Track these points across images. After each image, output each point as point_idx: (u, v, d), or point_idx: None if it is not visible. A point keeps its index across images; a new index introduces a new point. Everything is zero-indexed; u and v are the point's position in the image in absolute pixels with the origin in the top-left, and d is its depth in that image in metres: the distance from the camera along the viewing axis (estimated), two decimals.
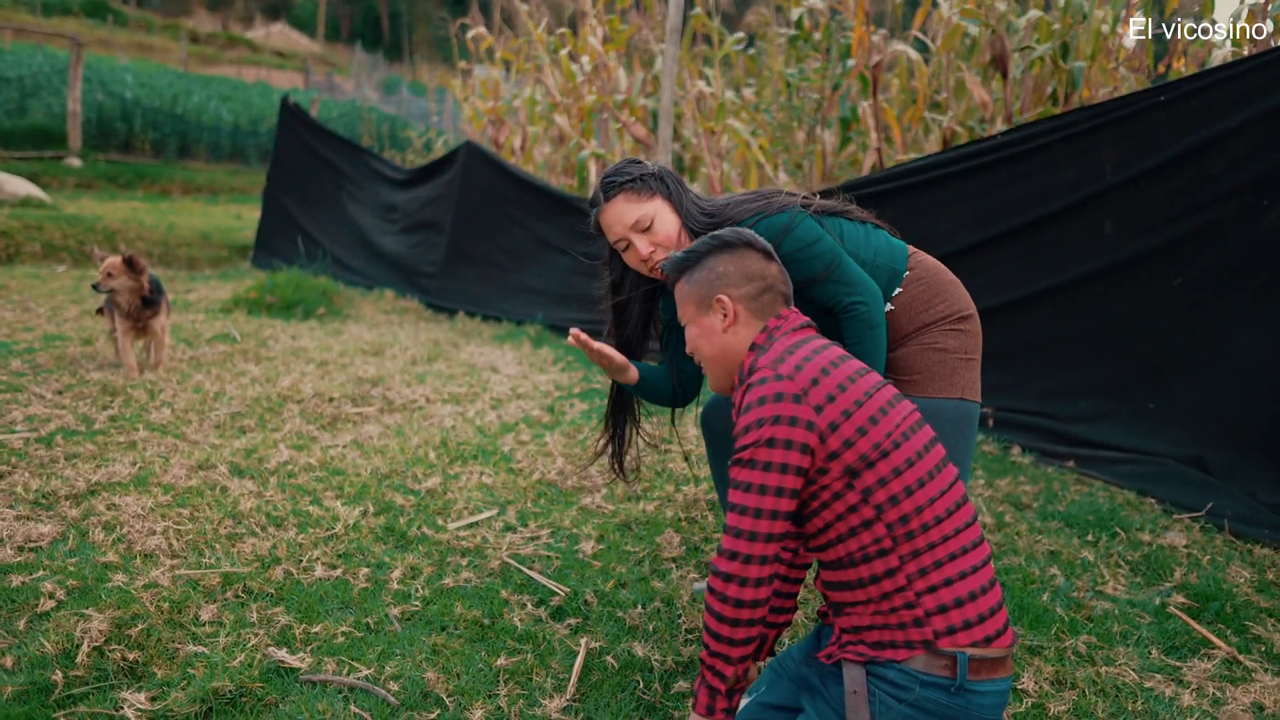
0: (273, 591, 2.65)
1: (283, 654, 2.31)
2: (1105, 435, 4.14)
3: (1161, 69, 5.55)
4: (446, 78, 11.38)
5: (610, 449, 2.71)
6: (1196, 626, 2.73)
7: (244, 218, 13.68)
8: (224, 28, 49.39)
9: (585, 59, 8.44)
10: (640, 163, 2.34)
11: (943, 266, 2.43)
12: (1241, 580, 3.04)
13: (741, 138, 7.36)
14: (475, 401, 4.81)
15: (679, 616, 2.68)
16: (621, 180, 2.28)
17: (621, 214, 2.28)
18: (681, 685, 2.31)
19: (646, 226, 2.26)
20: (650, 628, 2.61)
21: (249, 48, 42.54)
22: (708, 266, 1.94)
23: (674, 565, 3.03)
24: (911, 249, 2.42)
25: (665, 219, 2.27)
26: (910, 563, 1.69)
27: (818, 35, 7.02)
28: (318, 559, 2.87)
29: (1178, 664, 2.54)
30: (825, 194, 3.52)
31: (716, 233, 1.98)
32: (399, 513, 3.28)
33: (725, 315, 1.91)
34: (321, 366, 5.30)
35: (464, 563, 2.94)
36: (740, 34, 7.69)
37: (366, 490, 3.45)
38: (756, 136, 7.43)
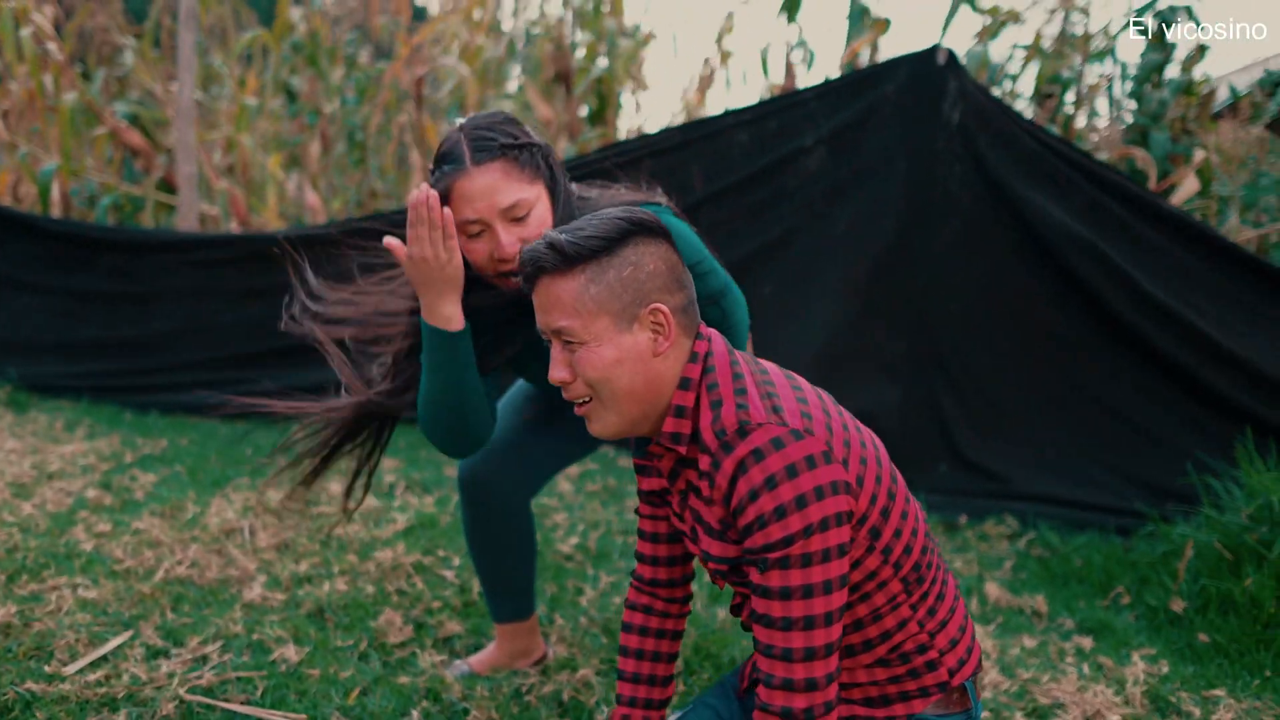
0: None
1: None
2: None
3: (694, 98, 6.09)
4: None
5: (358, 475, 2.17)
6: None
7: None
8: None
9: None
10: (516, 122, 1.72)
11: None
12: None
13: (247, 149, 6.48)
14: None
15: (455, 705, 2.17)
16: (505, 143, 1.64)
17: (496, 189, 1.62)
18: None
19: (522, 215, 1.66)
20: None
21: None
22: (628, 261, 1.35)
23: (413, 650, 2.45)
24: None
25: (542, 214, 1.70)
26: (920, 608, 1.45)
27: (330, 45, 6.48)
28: None
29: None
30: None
31: (620, 211, 1.37)
32: None
33: (662, 333, 1.37)
34: None
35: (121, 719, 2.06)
36: (252, 32, 6.74)
37: None
38: (268, 151, 6.62)
